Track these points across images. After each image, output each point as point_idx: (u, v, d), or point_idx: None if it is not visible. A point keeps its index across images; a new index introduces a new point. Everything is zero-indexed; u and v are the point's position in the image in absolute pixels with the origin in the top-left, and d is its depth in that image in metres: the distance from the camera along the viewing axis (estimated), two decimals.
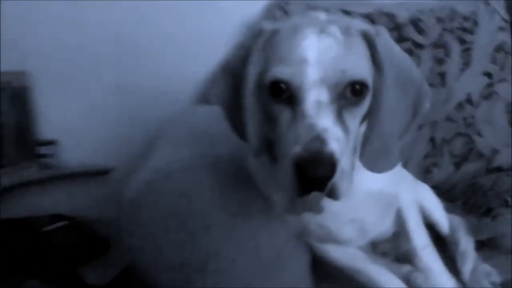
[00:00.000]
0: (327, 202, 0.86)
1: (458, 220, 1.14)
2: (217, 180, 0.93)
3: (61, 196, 1.89)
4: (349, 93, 0.72)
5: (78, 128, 1.92)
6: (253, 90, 0.78)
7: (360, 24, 0.77)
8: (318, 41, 0.72)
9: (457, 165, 1.45)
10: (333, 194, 0.69)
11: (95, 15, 1.80)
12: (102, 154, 1.95)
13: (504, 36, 1.55)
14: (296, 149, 0.67)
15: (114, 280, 1.34)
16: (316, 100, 0.70)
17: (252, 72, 0.78)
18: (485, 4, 1.57)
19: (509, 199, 1.10)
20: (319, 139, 0.67)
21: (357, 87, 0.72)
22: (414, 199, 1.05)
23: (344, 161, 0.68)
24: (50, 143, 1.86)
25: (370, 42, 0.75)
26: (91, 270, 1.40)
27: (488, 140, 1.47)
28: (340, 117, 0.71)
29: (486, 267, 1.02)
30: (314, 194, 0.70)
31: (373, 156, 0.77)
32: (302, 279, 0.95)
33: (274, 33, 0.78)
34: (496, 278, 0.99)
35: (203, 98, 1.73)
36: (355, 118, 0.74)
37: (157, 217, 0.91)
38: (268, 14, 1.57)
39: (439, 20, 1.54)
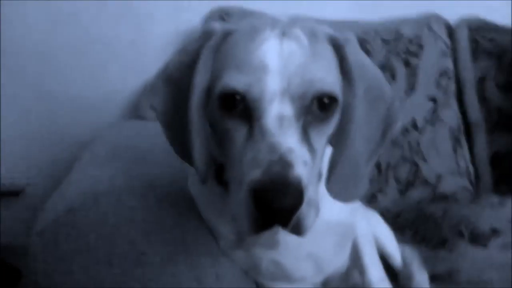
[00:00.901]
0: (282, 235, 0.76)
1: (410, 251, 1.07)
2: (150, 205, 0.79)
3: None
4: (316, 107, 0.61)
5: None
6: (199, 102, 0.65)
7: (326, 29, 0.67)
8: (280, 45, 0.61)
9: (402, 192, 1.40)
10: (297, 229, 0.58)
11: (20, 14, 1.60)
12: (14, 170, 1.73)
13: (447, 62, 1.54)
14: (255, 174, 0.55)
15: None
16: (278, 115, 0.59)
17: (199, 81, 0.65)
18: (428, 28, 1.55)
19: (464, 230, 1.05)
20: (283, 161, 0.55)
21: (325, 100, 0.61)
22: (369, 229, 0.97)
23: (311, 188, 0.58)
24: None
25: (338, 50, 0.65)
26: None
27: (433, 166, 1.43)
28: (305, 136, 0.60)
29: None
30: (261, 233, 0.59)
31: (342, 183, 0.67)
32: None
33: (227, 35, 0.66)
34: None
35: (134, 112, 1.59)
36: (321, 137, 0.63)
37: (79, 250, 0.75)
38: (207, 23, 1.46)
39: (385, 41, 1.50)
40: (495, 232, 1.02)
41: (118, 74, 1.68)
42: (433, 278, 1.02)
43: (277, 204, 0.54)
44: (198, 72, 0.65)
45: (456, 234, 1.05)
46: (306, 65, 0.61)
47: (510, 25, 1.58)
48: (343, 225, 0.84)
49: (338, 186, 0.67)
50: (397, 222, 1.28)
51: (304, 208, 0.56)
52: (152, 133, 1.22)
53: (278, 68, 0.60)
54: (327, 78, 0.62)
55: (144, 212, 0.77)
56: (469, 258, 1.00)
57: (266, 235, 0.74)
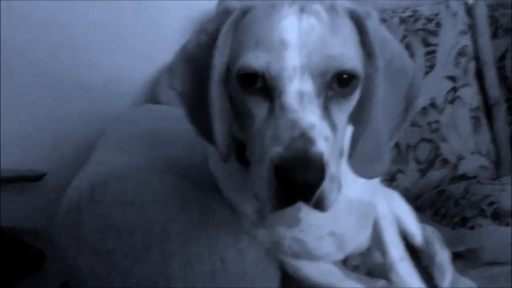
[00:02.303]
0: (305, 213, 0.76)
1: (431, 230, 1.06)
2: (173, 185, 0.79)
3: None
4: (337, 83, 0.60)
5: (7, 127, 1.71)
6: (219, 80, 0.65)
7: (347, 3, 0.66)
8: (299, 21, 0.60)
9: (423, 172, 1.38)
10: (320, 205, 0.57)
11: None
12: (35, 157, 1.75)
13: (466, 40, 1.51)
14: (277, 150, 0.55)
15: None
16: (298, 91, 0.58)
17: (218, 60, 0.64)
18: (446, 7, 1.52)
19: (485, 208, 1.04)
20: (305, 137, 0.55)
21: (346, 76, 0.60)
22: (390, 208, 0.96)
23: (333, 164, 0.57)
24: None
25: (359, 24, 0.64)
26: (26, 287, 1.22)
27: (453, 146, 1.42)
28: (326, 112, 0.60)
29: (465, 281, 0.96)
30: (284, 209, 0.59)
31: (364, 160, 0.66)
32: None
33: (245, 13, 0.65)
34: None
35: (149, 97, 1.60)
36: (343, 114, 0.62)
37: (101, 229, 0.76)
38: (221, 8, 1.45)
39: (403, 20, 1.48)
40: None
41: (131, 60, 1.68)
42: (454, 257, 1.01)
43: (299, 180, 0.53)
44: (217, 50, 0.64)
45: (478, 213, 1.04)
46: (325, 40, 0.60)
47: None
48: (365, 204, 0.84)
49: (360, 162, 0.66)
50: (417, 202, 1.28)
51: (326, 183, 0.56)
52: (168, 116, 1.24)
53: (298, 45, 0.59)
54: (348, 53, 0.61)
55: (166, 191, 0.78)
56: (491, 237, 0.99)
57: (288, 213, 0.75)
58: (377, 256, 0.98)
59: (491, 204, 1.04)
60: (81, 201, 0.77)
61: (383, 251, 0.93)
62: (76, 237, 0.77)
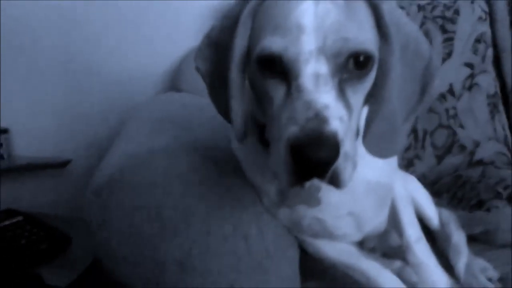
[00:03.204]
0: (324, 193, 0.79)
1: (447, 213, 1.08)
2: (197, 166, 0.83)
3: (14, 190, 1.74)
4: (352, 65, 0.63)
5: (31, 115, 1.77)
6: (239, 63, 0.68)
7: None
8: (315, 5, 0.62)
9: (440, 158, 1.40)
10: (335, 182, 0.60)
11: None
12: (58, 144, 1.81)
13: (484, 27, 1.52)
14: (293, 130, 0.58)
15: (76, 280, 1.22)
16: (314, 73, 0.61)
17: (239, 43, 0.68)
18: None
19: (501, 191, 1.06)
20: (319, 117, 0.58)
21: (361, 58, 0.63)
22: (407, 191, 0.98)
23: (347, 143, 0.60)
24: (1, 132, 1.70)
25: (374, 8, 0.66)
26: (51, 270, 1.27)
27: (470, 133, 1.43)
28: (341, 93, 0.62)
29: (481, 262, 0.97)
30: (312, 184, 0.62)
31: (378, 139, 0.69)
32: (291, 280, 0.86)
33: (264, 0, 0.68)
34: (493, 273, 0.94)
35: (170, 85, 1.64)
36: (358, 95, 0.65)
37: (130, 210, 0.80)
38: None
39: (420, 8, 1.49)
40: None
41: (152, 50, 1.71)
42: (470, 239, 1.03)
43: (313, 157, 0.56)
44: (237, 34, 0.67)
45: (494, 196, 1.06)
46: (340, 23, 0.62)
47: None
48: (383, 186, 0.87)
49: (374, 142, 0.69)
50: (434, 187, 1.29)
51: (340, 161, 0.58)
52: (191, 103, 1.27)
53: (313, 28, 0.61)
54: (363, 36, 0.63)
55: (191, 172, 0.82)
56: (506, 219, 1.01)
57: (308, 193, 0.78)
58: (393, 238, 1.01)
59: (506, 187, 1.06)
60: (110, 182, 0.81)
61: (400, 232, 0.95)
62: (105, 218, 0.81)
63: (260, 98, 0.69)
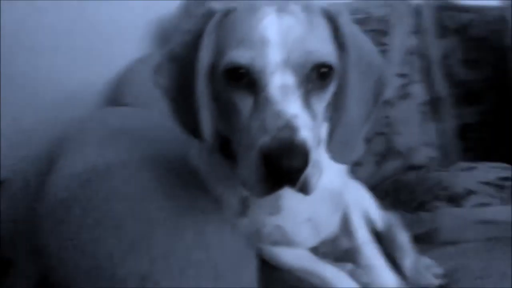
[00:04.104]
0: (285, 201, 0.82)
1: (391, 215, 1.14)
2: (158, 178, 0.83)
3: None
4: (315, 76, 0.67)
5: None
6: (205, 77, 0.70)
7: (320, 3, 0.73)
8: (278, 20, 0.66)
9: (379, 163, 1.47)
10: (305, 189, 0.63)
11: None
12: None
13: (413, 40, 1.62)
14: (264, 139, 0.60)
15: None
16: (281, 84, 0.64)
17: (203, 58, 0.70)
18: (395, 9, 1.62)
19: (440, 192, 1.13)
20: (290, 126, 0.60)
21: (324, 69, 0.67)
22: (356, 196, 1.04)
23: (315, 150, 0.63)
24: None
25: (332, 21, 0.71)
26: None
27: (404, 139, 1.51)
28: (307, 103, 0.66)
29: (426, 260, 1.03)
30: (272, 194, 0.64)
31: (341, 146, 0.73)
32: None
33: (227, 14, 0.71)
34: (438, 270, 1.00)
35: (113, 100, 1.60)
36: (321, 104, 0.69)
37: (90, 224, 0.78)
38: (186, 12, 1.48)
39: (358, 21, 1.55)
40: (469, 192, 1.10)
41: (92, 64, 1.67)
42: (413, 239, 1.09)
43: (287, 165, 0.59)
44: (202, 49, 0.69)
45: (433, 197, 1.13)
46: (303, 37, 0.66)
47: (468, 3, 1.68)
48: (337, 192, 0.91)
49: (338, 148, 0.73)
50: (375, 192, 1.36)
51: (310, 168, 0.61)
52: (138, 116, 1.26)
53: (278, 41, 0.65)
54: (324, 48, 0.68)
55: (152, 184, 0.81)
56: (447, 218, 1.08)
57: (270, 201, 0.80)
58: (343, 242, 1.05)
59: (445, 188, 1.14)
60: (66, 199, 0.79)
61: (351, 235, 1.00)
62: (62, 235, 0.79)
63: (225, 110, 0.70)
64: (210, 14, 0.71)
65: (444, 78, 1.64)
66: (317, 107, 0.67)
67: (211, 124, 0.72)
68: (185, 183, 0.83)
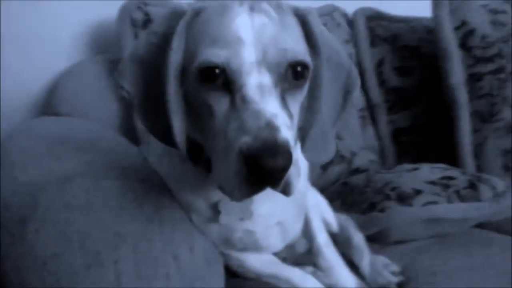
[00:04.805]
0: (256, 205, 0.80)
1: (344, 217, 1.17)
2: (121, 188, 0.79)
3: None
4: (290, 75, 0.66)
5: None
6: (176, 80, 0.67)
7: (289, 2, 0.72)
8: (251, 19, 0.65)
9: (324, 168, 1.50)
10: (286, 189, 0.62)
11: None
12: None
13: (349, 48, 1.68)
14: (245, 140, 0.59)
15: None
16: (258, 84, 0.63)
17: (174, 59, 0.66)
18: (331, 18, 1.68)
19: (389, 192, 1.17)
20: (271, 126, 0.59)
21: (299, 68, 0.66)
22: (315, 199, 1.04)
23: (295, 150, 0.63)
24: None
25: (303, 21, 0.70)
26: None
27: (347, 144, 1.56)
28: (283, 102, 0.65)
29: (382, 259, 1.06)
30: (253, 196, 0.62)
31: (316, 145, 0.73)
32: None
33: (198, 13, 0.68)
34: (395, 267, 1.03)
35: (46, 108, 1.50)
36: (296, 103, 0.69)
37: (50, 238, 0.72)
38: (124, 15, 1.43)
39: None
40: (417, 192, 1.15)
41: (24, 71, 1.55)
42: (367, 239, 1.12)
43: (270, 166, 0.57)
44: (172, 50, 0.66)
45: (384, 198, 1.16)
46: (277, 35, 0.65)
47: (397, 14, 1.77)
48: (301, 195, 0.91)
49: (313, 148, 0.72)
50: (324, 195, 1.38)
51: (292, 169, 0.61)
52: (80, 126, 1.19)
53: (253, 40, 0.63)
54: (298, 47, 0.67)
55: (115, 194, 0.77)
56: (398, 217, 1.12)
57: (241, 206, 0.78)
58: (301, 246, 1.05)
59: (394, 189, 1.18)
60: (24, 212, 0.73)
61: (311, 238, 1.00)
62: (18, 253, 0.72)
63: (199, 114, 0.68)
64: (178, 14, 0.69)
65: (378, 85, 1.71)
66: (293, 107, 0.67)
67: (183, 130, 0.68)
68: (149, 192, 0.79)
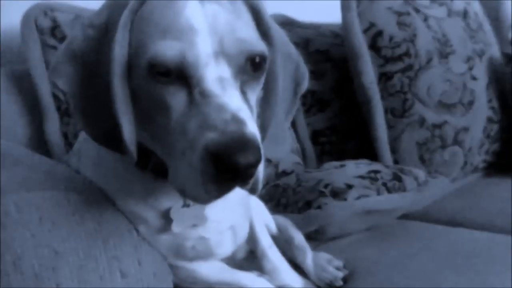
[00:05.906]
0: (209, 211, 0.76)
1: (282, 218, 1.16)
2: (58, 201, 0.71)
3: None
4: (249, 67, 0.62)
5: None
6: (121, 77, 0.61)
7: None
8: (202, 7, 0.61)
9: None
10: (254, 187, 0.60)
11: None
12: None
13: None
14: (211, 136, 0.55)
15: None
16: (218, 77, 0.59)
17: (118, 54, 0.61)
18: None
19: (323, 189, 1.18)
20: (237, 120, 0.56)
21: (257, 59, 0.63)
22: (253, 200, 1.03)
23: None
24: None
25: (254, 9, 0.67)
26: None
27: None
28: (244, 95, 0.62)
29: (324, 255, 1.07)
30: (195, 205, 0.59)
31: (275, 140, 0.71)
32: None
33: (142, 3, 0.63)
34: (338, 262, 1.04)
35: None
36: (255, 95, 0.66)
37: None
38: (29, 22, 1.31)
39: None
40: (349, 186, 1.18)
41: None
42: (306, 238, 1.12)
43: (241, 162, 0.53)
44: (116, 43, 0.60)
45: (318, 194, 1.18)
46: (232, 25, 0.61)
47: (306, 21, 1.83)
48: (246, 197, 0.88)
49: (271, 143, 0.70)
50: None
51: (260, 165, 0.58)
52: None
53: (207, 30, 0.59)
54: (254, 37, 0.64)
55: (52, 208, 0.69)
56: (336, 212, 1.14)
57: (194, 212, 0.75)
58: (241, 252, 1.03)
59: (326, 185, 1.20)
60: None
61: (255, 241, 0.98)
62: None
63: (149, 112, 0.63)
64: (120, 4, 0.63)
65: None
66: (252, 99, 0.64)
67: (133, 131, 0.63)
68: (88, 203, 0.72)
